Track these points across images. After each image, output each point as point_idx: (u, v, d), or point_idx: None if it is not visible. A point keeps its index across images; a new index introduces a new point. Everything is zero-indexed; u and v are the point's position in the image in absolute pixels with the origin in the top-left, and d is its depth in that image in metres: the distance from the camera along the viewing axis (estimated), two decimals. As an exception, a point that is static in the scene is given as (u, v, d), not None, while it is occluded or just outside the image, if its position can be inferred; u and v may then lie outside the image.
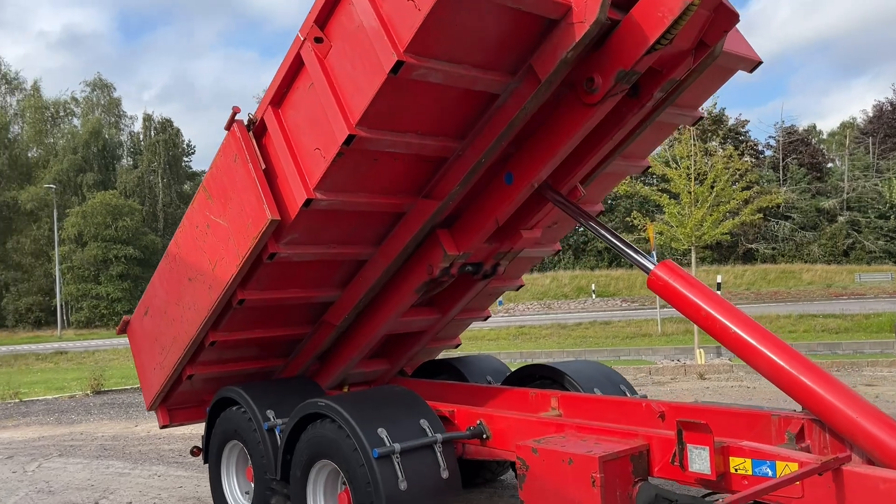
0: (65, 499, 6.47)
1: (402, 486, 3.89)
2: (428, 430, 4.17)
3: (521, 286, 6.38)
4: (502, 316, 28.57)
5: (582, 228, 4.33)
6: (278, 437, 4.68)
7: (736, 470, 3.20)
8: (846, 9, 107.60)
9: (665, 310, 19.39)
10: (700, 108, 4.98)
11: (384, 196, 4.26)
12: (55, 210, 42.73)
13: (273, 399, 4.97)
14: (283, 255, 4.33)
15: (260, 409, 4.86)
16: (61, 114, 52.99)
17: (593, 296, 34.38)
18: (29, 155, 51.40)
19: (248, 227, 4.28)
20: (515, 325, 23.13)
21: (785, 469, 3.10)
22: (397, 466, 3.91)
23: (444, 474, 4.07)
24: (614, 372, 5.47)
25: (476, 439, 4.31)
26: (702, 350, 13.34)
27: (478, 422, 4.34)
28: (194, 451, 5.55)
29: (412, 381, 6.11)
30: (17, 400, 13.57)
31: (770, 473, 3.12)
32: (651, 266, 3.94)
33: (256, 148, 4.28)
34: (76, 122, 53.11)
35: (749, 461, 3.18)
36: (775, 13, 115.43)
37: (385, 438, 3.98)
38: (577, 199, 4.46)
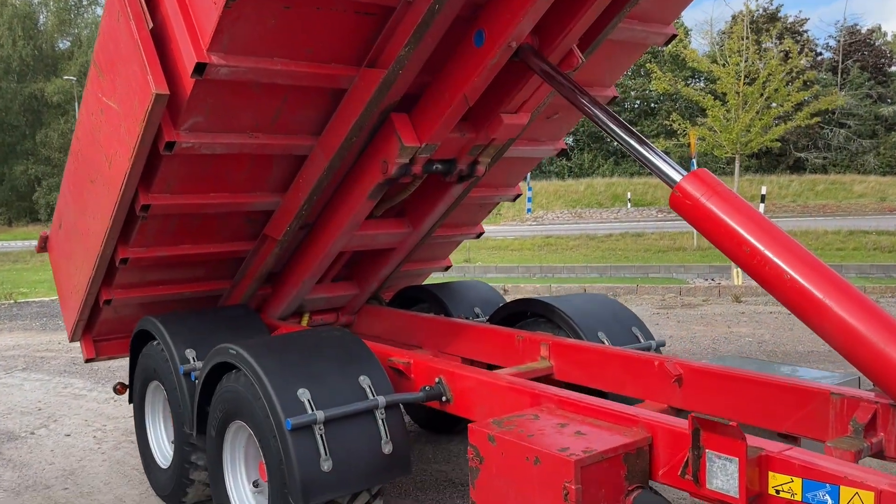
0: (1, 426, 5.78)
1: (326, 465, 2.95)
2: (369, 390, 3.19)
3: (517, 196, 5.26)
4: (529, 224, 27.44)
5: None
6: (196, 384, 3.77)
7: (778, 492, 2.16)
8: None
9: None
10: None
11: (312, 63, 3.16)
12: (76, 104, 41.97)
13: (196, 335, 4.03)
14: (186, 144, 3.30)
15: (177, 348, 3.94)
16: (84, 3, 51.43)
17: (629, 205, 32.90)
18: (55, 46, 50.31)
19: (136, 108, 3.24)
20: (542, 234, 22.02)
21: (854, 499, 2.05)
22: (320, 440, 2.96)
23: (387, 448, 3.12)
24: (625, 310, 4.41)
25: (435, 402, 3.35)
26: (739, 270, 12.15)
27: (437, 379, 3.36)
28: (118, 389, 4.71)
29: (383, 310, 5.14)
30: (10, 301, 13.08)
31: (830, 503, 2.08)
32: (677, 177, 2.80)
33: (143, 1, 3.17)
34: (99, 11, 51.54)
35: (798, 481, 2.13)
36: None
37: (307, 403, 3.02)
38: (572, 68, 3.26)
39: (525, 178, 34.05)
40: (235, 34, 2.86)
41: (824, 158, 48.41)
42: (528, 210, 30.74)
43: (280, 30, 2.94)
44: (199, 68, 2.89)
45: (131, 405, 4.57)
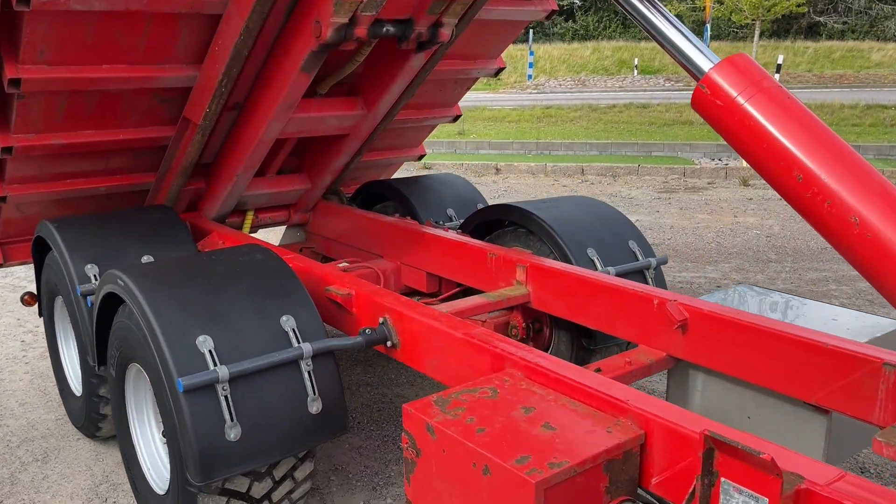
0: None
1: (232, 433, 2.34)
2: (293, 334, 2.53)
3: (501, 69, 4.43)
4: (529, 93, 26.07)
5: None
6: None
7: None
8: None
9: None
10: None
11: None
12: None
13: (99, 246, 3.33)
14: None
15: (75, 263, 3.25)
16: None
17: (635, 72, 31.27)
18: None
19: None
20: (542, 104, 20.82)
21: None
22: (224, 403, 2.33)
23: (315, 406, 2.50)
24: (621, 219, 3.69)
25: (379, 346, 2.70)
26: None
27: (381, 320, 2.69)
28: (26, 300, 4.06)
29: (341, 209, 4.42)
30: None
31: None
32: (705, 64, 2.02)
33: None
34: None
35: (851, 529, 1.49)
36: None
37: (207, 355, 2.36)
38: None
39: (527, 40, 32.13)
40: None
41: (843, 23, 45.86)
42: (529, 77, 29.21)
43: None
44: None
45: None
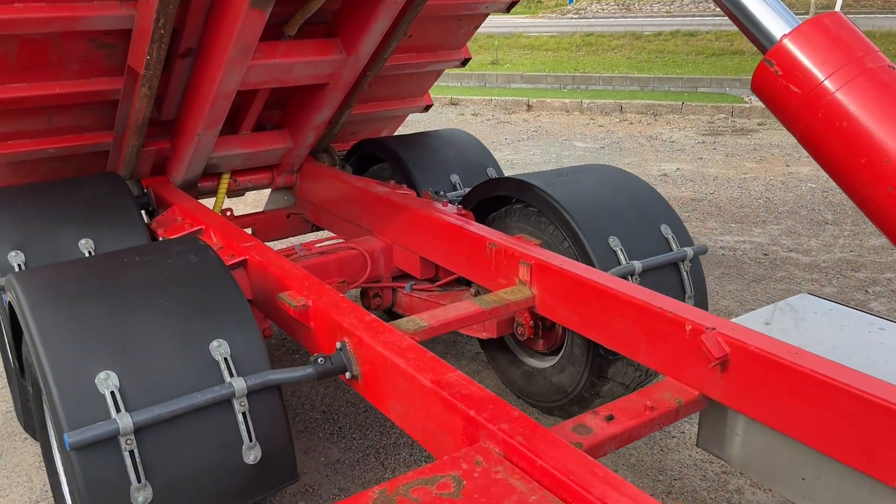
0: None
1: (141, 497, 1.86)
2: (225, 364, 2.01)
3: (513, 3, 3.78)
4: (570, 18, 24.66)
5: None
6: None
7: None
8: None
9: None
10: None
11: None
12: None
13: (28, 227, 2.82)
14: None
15: (-3, 249, 2.75)
16: None
17: (684, -5, 29.39)
18: None
19: None
20: (583, 31, 19.62)
21: None
22: (129, 460, 1.84)
23: (252, 455, 2.00)
24: (651, 194, 3.05)
25: (340, 375, 2.16)
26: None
27: (338, 345, 2.15)
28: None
29: (329, 172, 3.85)
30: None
31: None
32: (777, 31, 1.39)
33: None
34: None
35: None
36: None
37: (109, 398, 1.86)
38: None
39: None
40: None
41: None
42: (570, 1, 27.66)
43: None
44: None
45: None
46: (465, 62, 4.21)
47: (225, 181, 3.78)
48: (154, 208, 3.48)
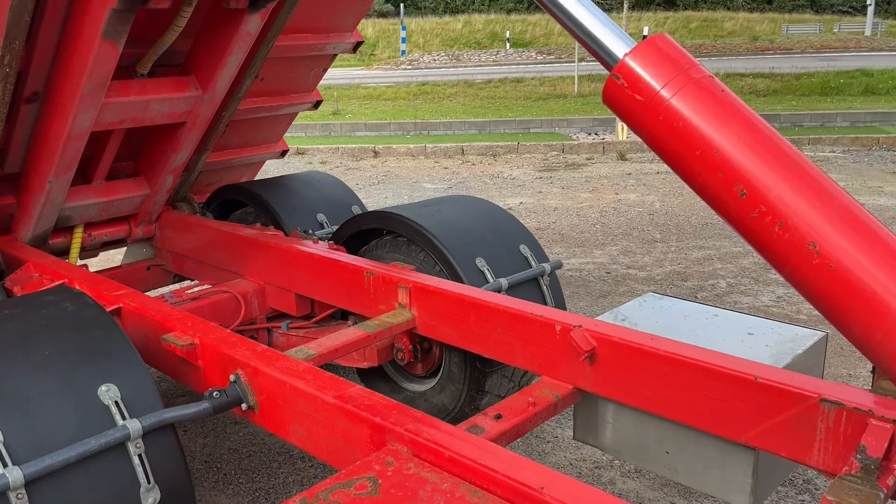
0: None
1: (34, 554, 1.78)
2: (116, 408, 1.97)
3: (359, 44, 3.99)
4: (404, 69, 25.55)
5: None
6: None
7: None
8: None
9: (584, 64, 17.09)
10: None
11: None
12: None
13: None
14: None
15: None
16: None
17: (507, 46, 31.40)
18: None
19: None
20: (418, 80, 20.39)
21: None
22: (20, 515, 1.77)
23: (151, 498, 1.97)
24: (510, 220, 3.32)
25: (236, 409, 2.18)
26: (623, 124, 11.34)
27: (232, 377, 2.18)
28: None
29: (190, 219, 3.82)
30: None
31: None
32: (619, 49, 1.64)
33: None
34: None
35: None
36: None
37: (-7, 453, 1.78)
38: None
39: (398, 14, 31.47)
40: None
41: (697, -6, 48.10)
42: (403, 52, 28.66)
43: None
44: None
45: None
46: (317, 104, 4.35)
47: (78, 235, 3.64)
48: (3, 269, 3.28)
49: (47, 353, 2.02)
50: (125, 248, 4.10)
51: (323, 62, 4.15)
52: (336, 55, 4.15)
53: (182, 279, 4.11)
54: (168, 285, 4.10)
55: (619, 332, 2.20)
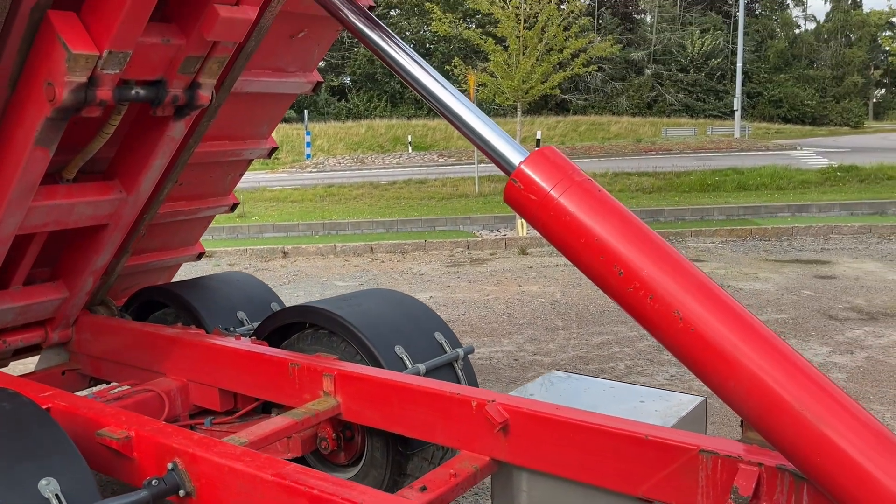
0: None
1: None
2: (56, 500, 2.04)
3: (274, 149, 4.27)
4: (310, 172, 26.03)
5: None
6: None
7: None
8: None
9: (483, 165, 18.01)
10: None
11: None
12: None
13: None
14: None
15: None
16: None
17: (409, 149, 32.60)
18: None
19: None
20: (324, 183, 20.81)
21: None
22: None
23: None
24: (424, 310, 3.59)
25: (173, 496, 2.28)
26: (523, 221, 12.00)
27: (169, 465, 2.28)
28: None
29: (110, 321, 3.87)
30: None
31: None
32: (515, 158, 1.97)
33: None
34: None
35: None
36: None
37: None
38: None
39: (303, 119, 32.24)
40: None
41: (585, 100, 51.83)
42: (308, 156, 29.24)
43: None
44: None
45: None
46: (233, 207, 4.55)
47: (-9, 342, 3.62)
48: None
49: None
50: (38, 356, 4.07)
51: (240, 167, 4.39)
52: (252, 160, 4.40)
53: (97, 383, 4.10)
54: (84, 389, 4.07)
55: (529, 404, 2.47)
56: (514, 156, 1.94)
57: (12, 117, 2.69)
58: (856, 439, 1.60)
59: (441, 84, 2.14)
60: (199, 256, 4.78)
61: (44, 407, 2.65)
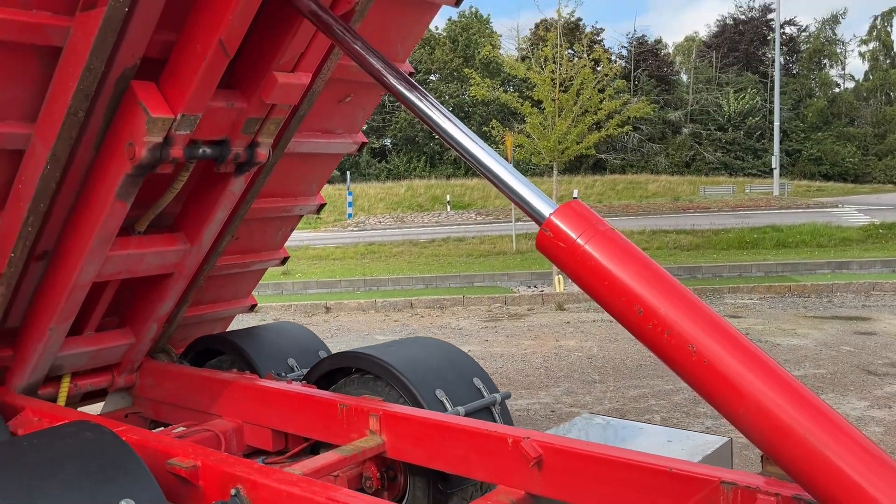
0: None
1: None
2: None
3: (322, 206, 4.56)
4: (351, 231, 26.64)
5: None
6: None
7: None
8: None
9: (520, 223, 18.29)
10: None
11: (9, 7, 2.38)
12: None
13: None
14: None
15: None
16: None
17: (448, 208, 33.15)
18: None
19: None
20: (365, 241, 21.33)
21: None
22: None
23: None
24: (464, 357, 3.80)
25: (231, 523, 2.50)
26: (560, 276, 12.20)
27: (233, 491, 2.51)
28: None
29: (171, 367, 4.16)
30: None
31: None
32: (545, 210, 2.19)
33: None
34: None
35: None
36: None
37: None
38: (350, 7, 2.79)
39: (345, 180, 33.18)
40: None
41: (622, 159, 52.22)
42: (349, 215, 29.94)
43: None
44: None
45: None
46: (283, 261, 4.85)
47: (65, 386, 3.92)
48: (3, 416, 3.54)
49: (72, 475, 2.34)
50: (101, 402, 4.37)
51: (291, 222, 4.71)
52: (302, 216, 4.73)
53: (157, 426, 4.37)
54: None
55: (562, 441, 2.65)
56: (545, 208, 2.18)
57: (96, 175, 3.02)
58: (860, 465, 1.75)
59: (476, 143, 2.40)
60: (252, 308, 5.08)
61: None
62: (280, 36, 2.77)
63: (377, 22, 3.29)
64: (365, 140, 4.34)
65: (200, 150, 2.96)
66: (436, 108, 2.49)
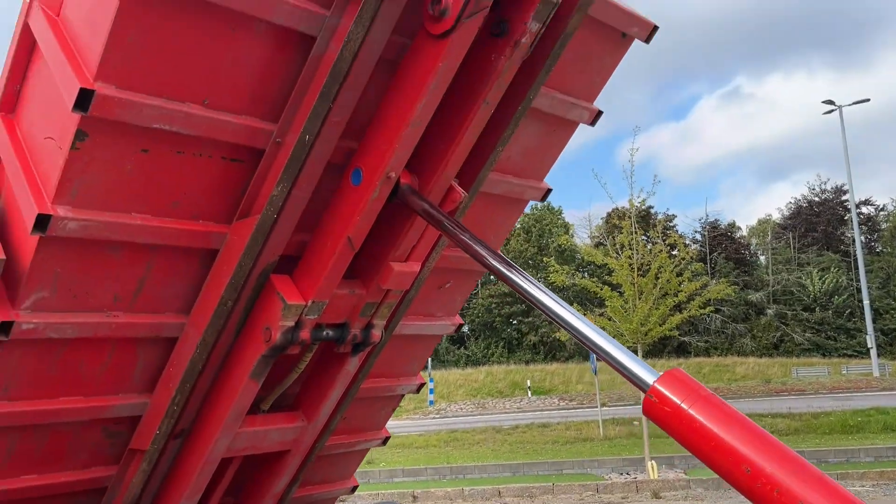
0: None
1: None
2: None
3: (421, 385, 4.77)
4: (433, 418, 26.49)
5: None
6: None
7: None
8: (771, 123, 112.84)
9: (606, 408, 17.91)
10: (594, 103, 3.83)
11: (177, 219, 2.84)
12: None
13: None
14: (28, 326, 2.72)
15: None
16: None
17: (529, 393, 32.71)
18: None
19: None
20: (447, 428, 21.15)
21: None
22: None
23: None
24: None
25: None
26: (653, 462, 11.76)
27: None
28: None
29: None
30: None
31: None
32: (649, 378, 2.38)
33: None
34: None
35: None
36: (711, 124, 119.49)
37: None
38: (455, 205, 3.10)
39: (426, 367, 33.55)
40: (85, 182, 2.48)
41: (706, 342, 50.93)
42: (431, 402, 29.88)
43: (138, 178, 2.62)
44: (41, 221, 2.43)
45: None
46: (385, 440, 5.04)
47: (183, 562, 4.08)
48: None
49: None
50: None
51: (393, 402, 4.94)
52: (403, 395, 4.97)
53: None
54: None
55: None
56: (648, 375, 2.38)
57: (234, 357, 3.39)
58: None
59: (577, 317, 2.65)
60: (353, 490, 5.21)
61: None
62: (396, 231, 3.20)
63: (476, 216, 3.73)
64: (461, 322, 4.67)
65: (324, 333, 3.32)
66: (533, 283, 2.80)
